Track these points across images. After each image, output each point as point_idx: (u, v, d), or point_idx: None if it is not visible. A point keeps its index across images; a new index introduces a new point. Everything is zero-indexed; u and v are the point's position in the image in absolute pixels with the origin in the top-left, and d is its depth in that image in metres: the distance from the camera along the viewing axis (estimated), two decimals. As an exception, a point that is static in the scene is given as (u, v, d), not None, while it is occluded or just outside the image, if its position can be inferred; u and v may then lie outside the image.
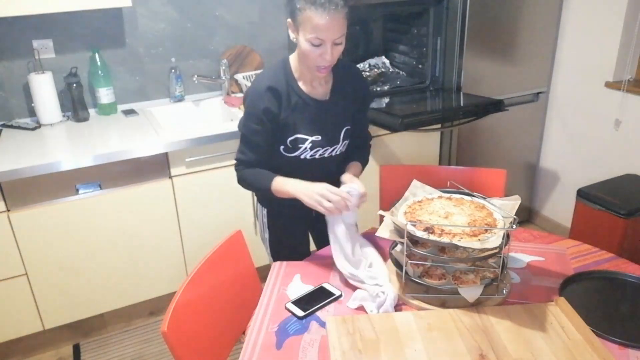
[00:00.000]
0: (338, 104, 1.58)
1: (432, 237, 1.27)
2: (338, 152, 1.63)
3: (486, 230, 1.29)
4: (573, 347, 1.16)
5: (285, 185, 1.50)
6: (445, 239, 1.26)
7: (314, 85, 1.55)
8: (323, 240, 1.75)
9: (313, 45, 1.40)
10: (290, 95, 1.51)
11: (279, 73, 1.52)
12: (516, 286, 1.41)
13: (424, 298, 1.34)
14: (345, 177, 1.56)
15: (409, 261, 1.37)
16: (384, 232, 1.36)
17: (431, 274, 1.35)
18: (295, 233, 1.78)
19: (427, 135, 2.84)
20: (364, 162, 1.73)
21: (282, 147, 1.56)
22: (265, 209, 1.73)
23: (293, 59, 1.53)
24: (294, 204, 1.51)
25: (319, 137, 1.56)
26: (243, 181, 1.60)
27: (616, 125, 2.71)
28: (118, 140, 2.23)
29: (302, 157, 1.57)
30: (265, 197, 1.69)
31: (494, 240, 1.26)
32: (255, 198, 1.78)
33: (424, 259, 1.37)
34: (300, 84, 1.53)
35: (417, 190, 1.52)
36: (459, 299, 1.30)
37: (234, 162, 1.61)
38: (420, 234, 1.28)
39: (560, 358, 1.13)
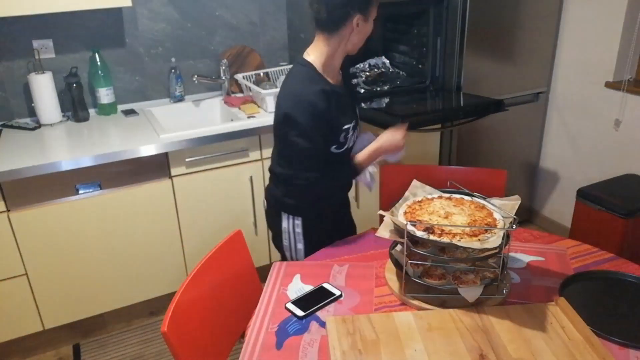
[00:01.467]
0: (348, 86, 1.73)
1: (432, 237, 1.27)
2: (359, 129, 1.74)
3: (486, 230, 1.29)
4: (573, 347, 1.16)
5: (365, 155, 1.63)
6: (445, 239, 1.26)
7: (336, 76, 1.63)
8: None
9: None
10: (332, 93, 1.56)
11: (316, 77, 1.55)
12: (516, 286, 1.41)
13: (424, 298, 1.34)
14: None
15: (409, 261, 1.37)
16: (384, 232, 1.36)
17: (431, 274, 1.35)
18: (328, 237, 1.71)
19: (427, 135, 2.84)
20: None
21: (334, 147, 1.60)
22: (300, 218, 1.68)
23: (315, 60, 1.56)
24: (331, 204, 1.75)
25: (355, 120, 1.66)
26: (321, 195, 1.65)
27: (616, 125, 2.71)
28: (118, 140, 2.23)
29: (349, 146, 1.65)
30: (303, 203, 1.67)
31: (494, 240, 1.26)
32: (282, 210, 1.70)
33: (424, 259, 1.37)
34: (328, 79, 1.59)
35: (417, 190, 1.52)
36: (459, 299, 1.30)
37: (301, 182, 1.57)
38: (420, 234, 1.28)
39: (560, 358, 1.13)
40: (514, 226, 1.28)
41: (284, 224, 1.70)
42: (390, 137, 1.64)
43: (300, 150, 1.53)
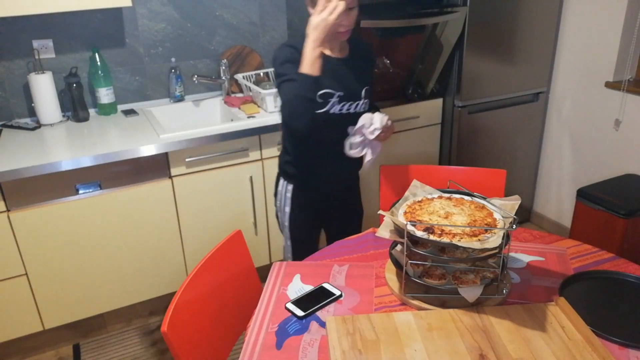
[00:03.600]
0: (355, 63, 1.77)
1: (432, 238, 1.27)
2: (362, 109, 1.78)
3: (486, 231, 1.29)
4: (573, 347, 1.16)
5: (304, 56, 1.60)
6: (445, 239, 1.26)
7: (333, 51, 1.73)
8: (333, 229, 2.02)
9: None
10: None
11: (299, 41, 1.64)
12: (516, 286, 1.41)
13: (424, 298, 1.34)
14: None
15: (409, 261, 1.37)
16: (384, 232, 1.36)
17: (431, 274, 1.35)
18: (314, 210, 1.92)
19: (427, 135, 2.85)
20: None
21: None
22: (292, 185, 1.86)
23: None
24: (321, 177, 1.83)
25: (343, 93, 1.72)
26: (290, 116, 1.65)
27: (616, 125, 2.71)
28: (118, 140, 2.23)
29: (331, 111, 1.71)
30: (296, 170, 1.84)
31: (494, 240, 1.26)
32: (281, 174, 1.90)
33: (424, 259, 1.37)
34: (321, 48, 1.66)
35: (417, 190, 1.52)
36: (459, 299, 1.30)
37: (282, 121, 1.72)
38: (420, 234, 1.28)
39: (560, 358, 1.13)
40: (514, 226, 1.28)
41: (280, 187, 1.91)
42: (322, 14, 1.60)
43: (280, 87, 1.65)
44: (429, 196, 1.49)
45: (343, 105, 1.74)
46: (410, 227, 1.28)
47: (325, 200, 1.92)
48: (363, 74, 1.81)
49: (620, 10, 2.57)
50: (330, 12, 1.54)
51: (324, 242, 1.98)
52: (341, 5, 1.55)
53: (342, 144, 1.73)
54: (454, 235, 1.27)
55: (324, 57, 1.62)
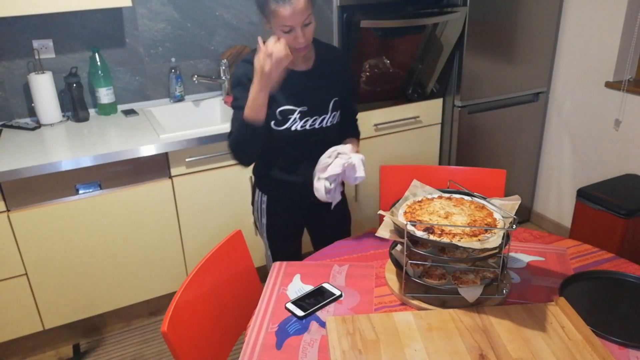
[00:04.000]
0: (322, 74, 1.66)
1: (432, 238, 1.27)
2: (329, 124, 1.68)
3: (486, 231, 1.29)
4: (573, 347, 1.16)
5: (248, 99, 1.52)
6: (445, 239, 1.26)
7: (296, 62, 1.61)
8: (319, 237, 1.94)
9: (285, 33, 1.49)
10: None
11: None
12: (516, 286, 1.41)
13: (424, 298, 1.34)
14: (343, 145, 1.62)
15: (409, 261, 1.37)
16: (384, 232, 1.36)
17: (431, 274, 1.35)
18: (292, 221, 1.85)
19: (427, 135, 2.85)
20: (358, 136, 1.84)
21: (272, 122, 1.60)
22: (266, 196, 1.79)
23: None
24: (293, 192, 1.73)
25: (305, 108, 1.62)
26: (233, 147, 1.60)
27: (616, 125, 2.71)
28: (118, 140, 2.23)
29: (292, 128, 1.62)
30: (266, 183, 1.77)
31: (494, 240, 1.26)
32: (256, 185, 1.83)
33: (424, 258, 1.37)
34: None
35: (417, 190, 1.52)
36: (459, 299, 1.30)
37: (228, 147, 1.62)
38: (420, 234, 1.28)
39: (560, 358, 1.13)
40: (514, 226, 1.28)
41: (255, 197, 1.83)
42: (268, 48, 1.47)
43: (233, 113, 1.60)
44: (429, 196, 1.49)
45: (306, 121, 1.63)
46: (410, 227, 1.28)
47: (301, 211, 1.85)
48: (331, 84, 1.68)
49: (620, 10, 2.57)
50: (270, 55, 1.43)
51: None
52: (281, 44, 1.44)
53: (309, 159, 1.62)
54: (454, 235, 1.27)
55: (284, 71, 1.54)
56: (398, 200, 1.47)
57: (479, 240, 1.26)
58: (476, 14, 2.57)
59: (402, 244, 1.33)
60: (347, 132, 1.78)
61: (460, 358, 1.15)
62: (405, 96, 2.75)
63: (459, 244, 1.24)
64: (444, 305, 1.32)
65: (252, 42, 2.83)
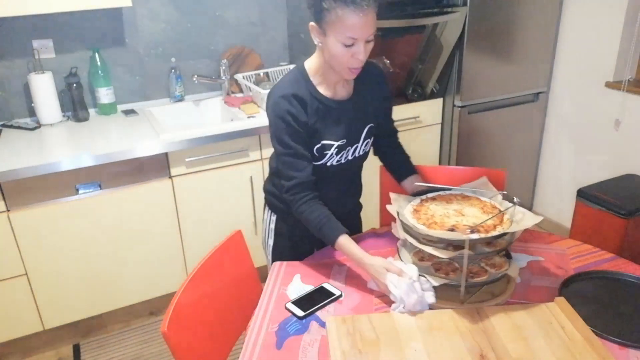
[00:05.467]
0: (361, 101, 1.53)
1: (481, 236, 1.26)
2: (361, 152, 1.57)
3: (501, 218, 1.33)
4: (573, 347, 1.16)
5: (351, 249, 1.39)
6: (485, 235, 1.26)
7: (337, 88, 1.49)
8: None
9: (345, 46, 1.33)
10: (311, 101, 1.45)
11: (299, 81, 1.45)
12: (516, 286, 1.41)
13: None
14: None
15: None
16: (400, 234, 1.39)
17: (445, 270, 1.34)
18: (301, 246, 1.67)
19: (427, 135, 2.84)
20: (412, 165, 1.72)
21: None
22: (276, 215, 1.67)
23: (310, 65, 1.47)
24: None
25: (344, 141, 1.50)
26: (303, 217, 1.45)
27: (616, 125, 2.71)
28: (118, 140, 2.23)
29: (328, 164, 1.50)
30: (279, 204, 1.63)
31: (528, 218, 1.33)
32: (264, 202, 1.72)
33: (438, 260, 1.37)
34: (321, 89, 1.47)
35: (400, 201, 1.49)
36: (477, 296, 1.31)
37: (285, 194, 1.46)
38: (474, 236, 1.25)
39: (560, 358, 1.13)
40: (515, 199, 1.35)
41: (265, 216, 1.72)
42: (388, 277, 1.31)
43: (279, 157, 1.46)
44: (414, 203, 1.46)
45: (342, 155, 1.51)
46: (474, 236, 1.24)
47: (312, 238, 1.55)
48: (371, 109, 1.55)
49: (620, 10, 2.57)
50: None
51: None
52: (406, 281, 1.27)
53: (328, 187, 1.52)
54: (487, 228, 1.29)
55: (321, 101, 1.45)
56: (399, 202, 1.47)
57: (502, 225, 1.31)
58: (476, 14, 2.57)
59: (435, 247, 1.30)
60: (399, 158, 1.69)
61: (460, 358, 1.14)
62: (405, 96, 2.75)
63: (510, 230, 1.29)
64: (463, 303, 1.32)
65: (252, 42, 2.83)
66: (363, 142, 1.56)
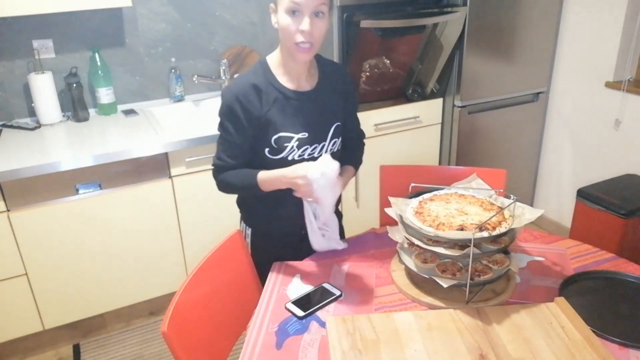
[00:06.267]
0: (325, 96, 1.51)
1: (490, 234, 1.26)
2: (328, 152, 1.51)
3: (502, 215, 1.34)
4: (573, 347, 1.16)
5: (270, 175, 1.42)
6: (489, 233, 1.26)
7: (300, 81, 1.48)
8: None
9: (290, 16, 1.33)
10: (269, 91, 1.43)
11: (258, 71, 1.45)
12: (516, 286, 1.41)
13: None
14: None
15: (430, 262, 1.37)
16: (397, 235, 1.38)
17: (450, 271, 1.34)
18: (280, 258, 1.59)
19: (427, 135, 2.84)
20: (357, 164, 1.68)
21: (267, 149, 1.46)
22: (250, 229, 1.65)
23: (273, 57, 1.48)
24: (281, 225, 1.57)
25: (306, 134, 1.46)
26: (224, 184, 1.51)
27: (616, 125, 2.71)
28: (118, 140, 2.23)
29: (289, 158, 1.46)
30: (251, 216, 1.64)
31: (527, 213, 1.34)
32: (241, 217, 1.70)
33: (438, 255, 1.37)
34: (283, 80, 1.46)
35: (399, 204, 1.48)
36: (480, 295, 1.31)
37: (212, 167, 1.52)
38: (482, 235, 1.26)
39: (560, 358, 1.13)
40: (512, 196, 1.37)
41: (243, 232, 1.67)
42: (305, 172, 1.33)
43: (219, 136, 1.48)
44: (413, 204, 1.46)
45: (305, 150, 1.46)
46: (483, 234, 1.25)
47: (291, 246, 1.62)
48: (335, 106, 1.52)
49: (620, 10, 2.57)
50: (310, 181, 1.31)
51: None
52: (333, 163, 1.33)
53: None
54: (493, 225, 1.29)
55: (280, 90, 1.43)
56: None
57: (506, 221, 1.33)
58: (476, 14, 2.57)
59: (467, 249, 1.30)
60: (348, 160, 1.61)
61: (460, 358, 1.14)
62: (405, 96, 2.75)
63: (514, 226, 1.31)
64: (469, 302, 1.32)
65: (252, 42, 2.83)
66: (330, 141, 1.52)
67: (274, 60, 1.47)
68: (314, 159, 1.45)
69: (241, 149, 1.47)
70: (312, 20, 1.33)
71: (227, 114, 1.43)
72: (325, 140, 1.51)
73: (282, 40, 1.41)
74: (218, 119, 1.47)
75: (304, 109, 1.47)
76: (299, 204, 1.49)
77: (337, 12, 2.39)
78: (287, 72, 1.46)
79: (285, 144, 1.45)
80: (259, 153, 1.47)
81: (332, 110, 1.53)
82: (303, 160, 1.47)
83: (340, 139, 1.56)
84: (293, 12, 1.32)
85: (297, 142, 1.46)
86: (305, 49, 1.36)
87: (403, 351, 1.17)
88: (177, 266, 2.45)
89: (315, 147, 1.49)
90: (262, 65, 1.47)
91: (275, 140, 1.44)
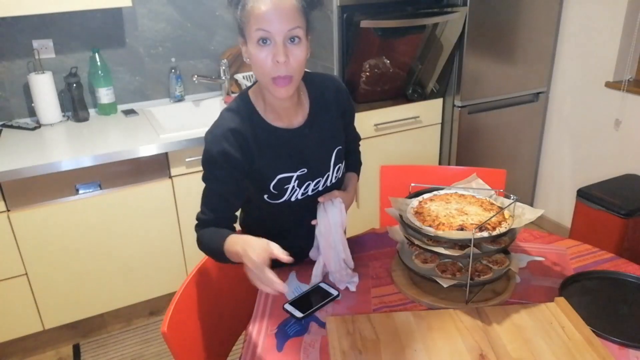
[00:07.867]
0: (321, 122, 1.36)
1: (488, 234, 1.26)
2: (334, 180, 1.40)
3: (502, 215, 1.34)
4: (573, 347, 1.16)
5: (232, 246, 1.21)
6: (488, 233, 1.26)
7: (289, 115, 1.32)
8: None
9: (261, 45, 1.15)
10: (257, 134, 1.27)
11: (241, 110, 1.28)
12: (516, 286, 1.41)
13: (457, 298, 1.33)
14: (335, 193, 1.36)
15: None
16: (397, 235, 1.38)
17: (449, 271, 1.34)
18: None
19: (427, 135, 2.84)
20: (359, 168, 1.62)
21: (265, 195, 1.33)
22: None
23: (255, 91, 1.32)
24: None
25: (305, 170, 1.33)
26: (199, 243, 1.35)
27: (616, 125, 2.71)
28: (118, 140, 2.23)
29: (292, 199, 1.33)
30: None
31: (528, 212, 1.34)
32: (240, 217, 1.58)
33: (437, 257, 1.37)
34: (270, 118, 1.30)
35: (399, 204, 1.48)
36: (480, 295, 1.31)
37: (196, 221, 1.38)
38: (482, 235, 1.26)
39: (560, 358, 1.13)
40: (512, 196, 1.37)
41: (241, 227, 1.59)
42: (257, 251, 1.13)
43: (204, 186, 1.34)
44: (414, 204, 1.46)
45: (307, 186, 1.33)
46: (483, 234, 1.25)
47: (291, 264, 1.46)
48: (333, 129, 1.38)
49: (620, 10, 2.57)
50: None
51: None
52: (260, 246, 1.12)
53: (309, 220, 1.34)
54: (493, 225, 1.29)
55: (272, 134, 1.27)
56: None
57: (506, 220, 1.33)
58: (476, 14, 2.57)
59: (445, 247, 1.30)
60: (348, 164, 1.51)
61: (460, 358, 1.14)
62: (405, 96, 2.75)
63: (514, 226, 1.31)
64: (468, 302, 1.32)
65: (252, 42, 2.83)
66: (334, 168, 1.38)
67: (256, 95, 1.31)
68: (320, 194, 1.35)
69: (224, 200, 1.33)
70: (287, 48, 1.15)
71: (208, 161, 1.28)
72: (328, 171, 1.38)
73: (256, 76, 1.25)
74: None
75: (300, 145, 1.32)
76: (305, 236, 1.39)
77: (337, 12, 2.40)
78: (270, 106, 1.30)
79: (286, 187, 1.32)
80: (256, 201, 1.36)
81: (332, 135, 1.39)
82: (307, 198, 1.35)
83: (344, 163, 1.44)
84: (264, 40, 1.15)
85: (297, 181, 1.32)
86: (283, 83, 1.19)
87: (403, 351, 1.17)
88: (177, 266, 2.45)
89: (319, 181, 1.37)
90: (244, 103, 1.30)
91: (274, 185, 1.31)
